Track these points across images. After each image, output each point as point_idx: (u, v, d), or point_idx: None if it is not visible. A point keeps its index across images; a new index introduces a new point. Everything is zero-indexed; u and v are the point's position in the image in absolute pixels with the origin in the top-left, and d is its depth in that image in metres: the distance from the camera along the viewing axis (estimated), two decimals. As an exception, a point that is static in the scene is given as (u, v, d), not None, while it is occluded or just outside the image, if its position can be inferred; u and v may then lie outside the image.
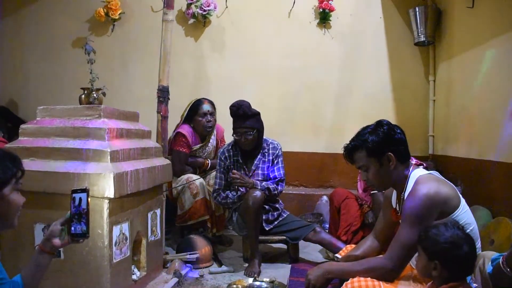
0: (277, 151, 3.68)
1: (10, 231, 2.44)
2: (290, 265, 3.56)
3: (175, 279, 3.07)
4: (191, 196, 3.84)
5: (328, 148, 5.20)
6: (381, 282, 2.00)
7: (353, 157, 2.24)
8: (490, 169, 3.64)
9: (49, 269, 1.72)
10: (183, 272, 3.20)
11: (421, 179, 2.09)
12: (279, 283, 3.02)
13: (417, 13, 4.80)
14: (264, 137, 3.67)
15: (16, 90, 5.69)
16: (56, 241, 1.67)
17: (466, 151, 4.14)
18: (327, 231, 3.82)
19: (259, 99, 4.69)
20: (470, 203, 2.20)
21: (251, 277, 3.19)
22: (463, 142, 4.26)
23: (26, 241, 2.54)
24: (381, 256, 2.22)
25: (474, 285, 1.96)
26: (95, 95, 3.03)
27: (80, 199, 1.66)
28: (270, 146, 3.68)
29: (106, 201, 2.44)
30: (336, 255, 2.65)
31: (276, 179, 3.62)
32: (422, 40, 4.88)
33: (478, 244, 2.06)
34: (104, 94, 3.13)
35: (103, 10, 5.29)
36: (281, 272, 3.40)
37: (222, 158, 3.68)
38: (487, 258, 1.95)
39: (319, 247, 3.85)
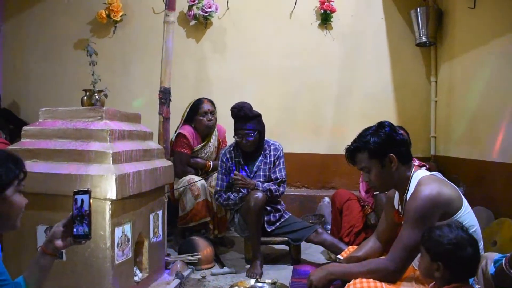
0: (279, 152, 3.68)
1: (13, 232, 2.45)
2: (292, 267, 3.55)
3: (177, 281, 3.07)
4: (193, 198, 3.84)
5: (329, 149, 5.20)
6: (383, 284, 2.00)
7: (355, 159, 2.24)
8: (492, 170, 3.64)
9: (52, 271, 1.71)
10: (185, 274, 3.20)
11: (423, 180, 2.08)
12: (281, 285, 3.01)
13: (419, 13, 4.80)
14: (265, 138, 3.67)
15: (18, 92, 5.70)
16: (59, 242, 1.66)
17: (468, 152, 4.14)
18: (329, 232, 3.82)
19: (260, 100, 4.70)
20: (472, 204, 2.20)
21: (253, 278, 3.18)
22: (465, 143, 4.25)
23: (28, 242, 2.54)
24: (383, 257, 2.22)
25: (477, 286, 1.96)
26: (97, 96, 3.03)
27: (82, 200, 1.66)
28: (272, 147, 3.68)
29: (108, 202, 2.43)
30: (338, 256, 2.64)
31: (278, 181, 3.62)
32: (423, 40, 4.88)
33: (481, 246, 2.05)
34: (106, 95, 3.13)
35: (105, 12, 5.30)
36: (283, 273, 3.40)
37: (224, 160, 3.68)
38: (489, 259, 1.95)
39: (321, 248, 3.85)
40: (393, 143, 2.15)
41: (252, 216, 3.40)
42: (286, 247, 3.83)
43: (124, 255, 2.59)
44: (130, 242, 2.66)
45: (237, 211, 3.66)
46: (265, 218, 3.61)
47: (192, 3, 5.19)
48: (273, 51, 5.32)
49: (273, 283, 3.01)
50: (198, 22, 5.35)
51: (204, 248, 3.54)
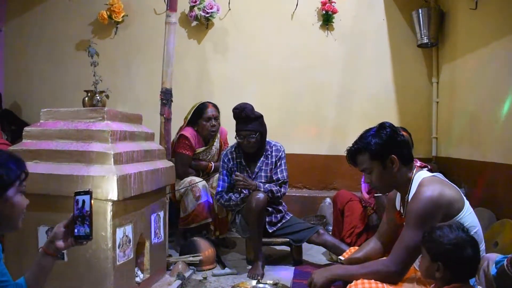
0: (280, 153, 3.68)
1: (14, 233, 2.45)
2: (293, 267, 3.56)
3: (179, 281, 3.07)
4: (194, 199, 3.84)
5: (331, 150, 5.20)
6: (385, 285, 2.00)
7: (356, 160, 2.24)
8: (494, 171, 3.64)
9: (53, 271, 1.71)
10: (186, 275, 3.20)
11: (425, 182, 2.08)
12: (282, 285, 3.01)
13: (420, 15, 4.80)
14: (267, 139, 3.67)
15: (19, 93, 5.71)
16: (60, 243, 1.66)
17: (470, 153, 4.13)
18: (330, 233, 3.81)
19: (261, 100, 4.71)
20: (474, 205, 2.20)
21: (254, 279, 3.19)
22: (466, 144, 4.25)
23: (29, 243, 2.54)
24: (385, 258, 2.21)
25: (478, 287, 1.96)
26: (98, 97, 3.04)
27: (84, 201, 1.66)
28: (273, 148, 3.68)
29: (110, 203, 2.43)
30: (340, 257, 2.64)
31: (279, 181, 3.62)
32: (425, 42, 4.88)
33: (482, 247, 2.05)
34: (107, 96, 3.14)
35: (106, 13, 5.30)
36: (285, 274, 3.40)
37: (225, 160, 3.69)
38: (491, 260, 1.94)
39: (323, 249, 3.85)
40: (394, 144, 2.15)
41: (253, 217, 3.40)
42: (287, 248, 3.83)
43: (125, 256, 2.58)
44: (131, 243, 2.66)
45: (239, 212, 3.66)
46: (267, 219, 3.61)
47: (194, 4, 5.20)
48: (274, 51, 5.32)
49: (275, 284, 3.01)
50: (200, 23, 5.35)
51: (206, 249, 3.54)
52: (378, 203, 3.58)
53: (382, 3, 5.21)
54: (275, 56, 5.32)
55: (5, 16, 5.76)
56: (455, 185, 2.14)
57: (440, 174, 2.20)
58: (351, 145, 2.26)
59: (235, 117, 3.54)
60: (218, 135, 4.32)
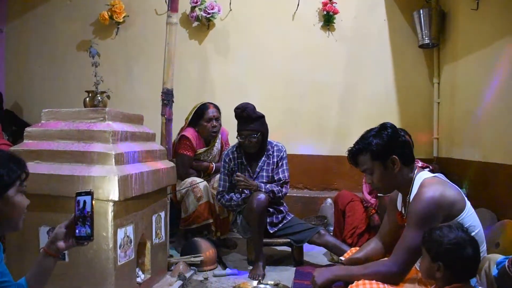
0: (282, 154, 3.68)
1: (15, 233, 2.45)
2: (294, 268, 3.56)
3: (180, 282, 3.07)
4: (195, 200, 3.85)
5: (332, 151, 5.19)
6: (386, 285, 2.00)
7: (357, 161, 2.23)
8: (495, 172, 3.63)
9: (54, 272, 1.71)
10: (187, 275, 3.20)
11: (426, 182, 2.08)
12: (283, 286, 3.01)
13: (421, 15, 4.79)
14: (268, 139, 3.67)
15: (21, 93, 5.71)
16: (61, 244, 1.66)
17: (471, 153, 4.12)
18: (331, 234, 3.81)
19: (263, 101, 4.70)
20: (475, 206, 2.19)
21: (255, 280, 3.19)
22: (467, 144, 4.24)
23: (30, 244, 2.54)
24: (386, 259, 2.21)
25: (480, 288, 1.96)
26: (99, 98, 3.04)
27: (85, 201, 1.66)
28: (275, 148, 3.68)
29: (111, 203, 2.44)
30: (341, 258, 2.64)
31: (281, 182, 3.62)
32: (426, 42, 4.87)
33: (484, 247, 2.05)
34: (108, 97, 3.14)
35: (108, 13, 5.30)
36: (286, 275, 3.39)
37: (227, 160, 3.68)
38: (492, 261, 1.94)
39: (324, 250, 3.85)
40: (395, 145, 2.15)
41: (254, 217, 3.39)
42: (288, 249, 3.83)
43: (126, 257, 2.59)
44: (132, 244, 2.66)
45: (240, 213, 3.66)
46: (268, 220, 3.61)
47: (195, 5, 5.20)
48: (275, 52, 5.32)
49: (276, 285, 3.01)
50: (201, 24, 5.35)
51: (207, 250, 3.54)
52: (381, 204, 3.58)
53: (383, 4, 5.21)
54: (276, 56, 5.31)
55: (6, 17, 5.76)
56: (456, 186, 2.14)
57: (442, 175, 2.20)
58: (352, 145, 2.26)
59: (236, 117, 3.54)
60: (219, 136, 4.31)
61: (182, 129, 4.24)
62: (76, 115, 2.72)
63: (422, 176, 2.15)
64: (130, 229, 2.64)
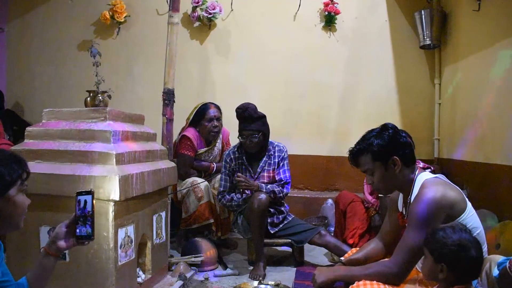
0: (283, 154, 3.67)
1: (16, 233, 2.45)
2: (295, 268, 3.56)
3: (180, 282, 3.07)
4: (196, 200, 3.84)
5: (333, 151, 5.19)
6: (386, 286, 2.00)
7: (358, 161, 2.23)
8: (496, 173, 3.62)
9: (55, 272, 1.72)
10: (188, 275, 3.20)
11: (427, 183, 2.08)
12: (284, 286, 3.01)
13: (423, 16, 4.79)
14: (269, 139, 3.67)
15: (22, 93, 5.72)
16: (61, 243, 1.66)
17: (472, 154, 4.12)
18: (332, 234, 3.81)
19: (263, 101, 4.70)
20: (476, 207, 2.19)
21: (256, 280, 3.19)
22: (468, 145, 4.24)
23: (31, 243, 2.55)
24: (387, 259, 2.21)
25: (481, 289, 1.95)
26: (100, 97, 3.04)
27: (85, 201, 1.66)
28: (276, 148, 3.67)
29: (112, 203, 2.44)
30: (341, 258, 2.64)
31: (282, 182, 3.61)
32: (427, 43, 4.86)
33: (485, 248, 2.05)
34: (109, 96, 3.14)
35: (109, 13, 5.31)
36: (286, 275, 3.40)
37: (228, 160, 3.68)
38: (493, 262, 1.94)
39: (324, 250, 3.85)
40: (396, 146, 2.15)
41: (255, 217, 3.39)
42: (289, 249, 3.83)
43: (127, 256, 2.59)
44: (133, 243, 2.66)
45: (241, 213, 3.65)
46: (269, 220, 3.60)
47: (196, 5, 5.20)
48: (277, 52, 5.32)
49: (276, 285, 3.01)
50: (202, 24, 5.35)
51: (207, 250, 3.54)
52: (382, 204, 3.57)
53: (384, 4, 5.20)
54: (277, 56, 5.31)
55: (7, 17, 5.77)
56: (457, 187, 2.14)
57: (443, 176, 2.20)
58: (353, 146, 2.26)
59: (238, 116, 3.54)
60: (220, 136, 4.31)
61: (183, 129, 4.24)
62: (77, 115, 2.73)
63: (423, 177, 2.14)
64: (130, 229, 2.64)
